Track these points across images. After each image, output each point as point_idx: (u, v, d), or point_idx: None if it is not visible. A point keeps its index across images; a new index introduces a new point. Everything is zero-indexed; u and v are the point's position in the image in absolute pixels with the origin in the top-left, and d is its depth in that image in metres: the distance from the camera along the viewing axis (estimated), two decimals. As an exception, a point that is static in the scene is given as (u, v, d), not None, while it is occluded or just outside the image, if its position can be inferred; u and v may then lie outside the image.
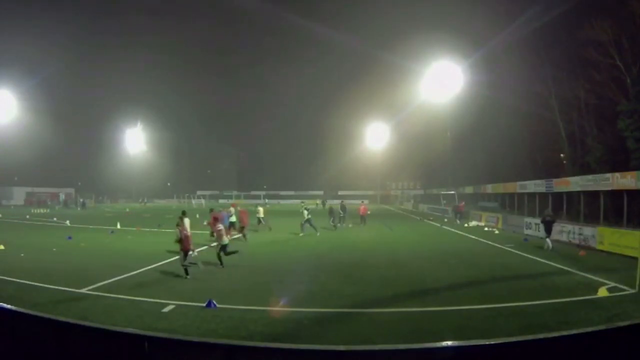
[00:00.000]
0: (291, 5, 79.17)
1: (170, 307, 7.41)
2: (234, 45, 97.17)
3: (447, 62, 38.09)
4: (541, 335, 1.34)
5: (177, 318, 6.89)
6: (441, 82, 38.67)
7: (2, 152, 51.83)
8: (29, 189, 67.20)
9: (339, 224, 24.01)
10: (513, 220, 23.29)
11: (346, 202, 28.44)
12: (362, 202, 28.98)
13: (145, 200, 69.31)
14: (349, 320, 7.07)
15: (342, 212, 24.83)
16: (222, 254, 11.34)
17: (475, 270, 11.37)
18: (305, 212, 19.88)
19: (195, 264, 10.27)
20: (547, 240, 15.32)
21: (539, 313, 7.18)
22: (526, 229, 20.53)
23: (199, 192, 78.01)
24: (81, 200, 55.30)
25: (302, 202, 24.34)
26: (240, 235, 17.46)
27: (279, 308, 7.44)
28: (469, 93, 38.03)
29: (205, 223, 16.25)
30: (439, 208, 39.79)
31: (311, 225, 19.74)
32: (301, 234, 19.50)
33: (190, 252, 10.16)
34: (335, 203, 28.73)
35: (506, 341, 1.39)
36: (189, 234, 10.52)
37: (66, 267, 11.35)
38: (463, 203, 32.20)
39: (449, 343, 1.38)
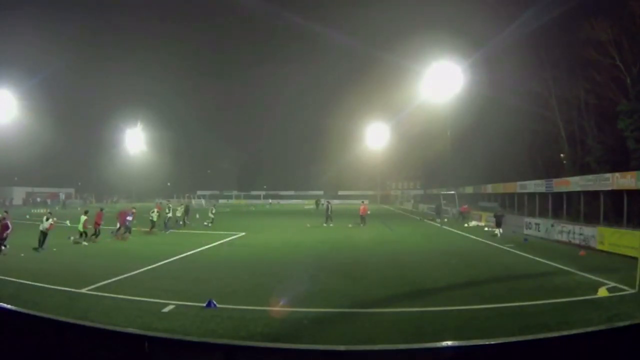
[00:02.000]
0: (291, 5, 79.12)
1: (170, 307, 7.41)
2: (234, 45, 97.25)
3: (447, 62, 38.01)
4: (541, 335, 1.34)
5: (177, 318, 6.89)
6: (441, 82, 38.61)
7: (2, 152, 51.78)
8: (29, 189, 67.15)
9: (325, 224, 25.50)
10: (513, 220, 23.28)
11: (321, 201, 29.47)
12: (362, 202, 28.98)
13: (161, 202, 68.83)
14: (349, 320, 7.07)
15: (326, 213, 26.61)
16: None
17: (475, 270, 11.38)
18: (155, 214, 21.03)
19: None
20: (496, 230, 19.65)
21: (539, 313, 7.18)
22: (526, 229, 20.52)
23: (199, 192, 77.97)
24: (63, 199, 55.35)
25: (169, 203, 24.97)
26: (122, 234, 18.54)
27: (279, 308, 7.44)
28: (469, 93, 37.97)
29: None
30: (441, 209, 39.74)
31: (166, 225, 21.07)
32: (167, 232, 20.44)
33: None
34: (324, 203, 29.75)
35: (506, 341, 1.39)
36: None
37: (66, 267, 11.35)
38: (466, 206, 32.35)
39: (449, 343, 1.37)
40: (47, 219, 14.91)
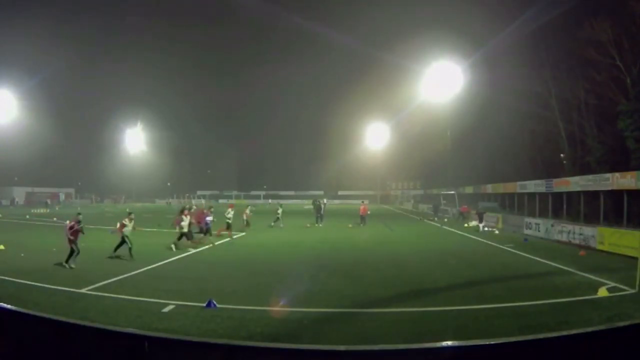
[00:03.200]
0: (291, 5, 79.21)
1: (170, 307, 7.41)
2: (234, 45, 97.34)
3: (447, 62, 38.07)
4: (541, 335, 1.34)
5: (177, 318, 6.89)
6: (441, 82, 38.64)
7: (2, 152, 51.83)
8: (29, 189, 67.21)
9: (317, 224, 24.97)
10: (513, 220, 23.30)
11: (323, 201, 29.30)
12: (362, 202, 28.98)
13: (170, 201, 68.30)
14: (349, 320, 7.07)
15: (317, 213, 25.98)
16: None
17: (475, 270, 11.38)
18: (231, 214, 19.01)
19: None
20: (480, 225, 22.92)
21: (539, 313, 7.17)
22: (526, 229, 20.53)
23: (199, 192, 78.02)
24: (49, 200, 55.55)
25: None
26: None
27: (279, 308, 7.43)
28: (469, 93, 38.04)
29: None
30: (439, 208, 39.85)
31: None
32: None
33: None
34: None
35: (506, 341, 1.39)
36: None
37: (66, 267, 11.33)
38: (466, 206, 32.46)
39: (449, 343, 1.37)
40: (131, 221, 13.12)
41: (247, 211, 21.85)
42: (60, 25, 67.99)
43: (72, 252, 11.06)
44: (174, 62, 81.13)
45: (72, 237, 11.13)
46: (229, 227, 18.54)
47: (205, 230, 16.24)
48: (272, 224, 23.60)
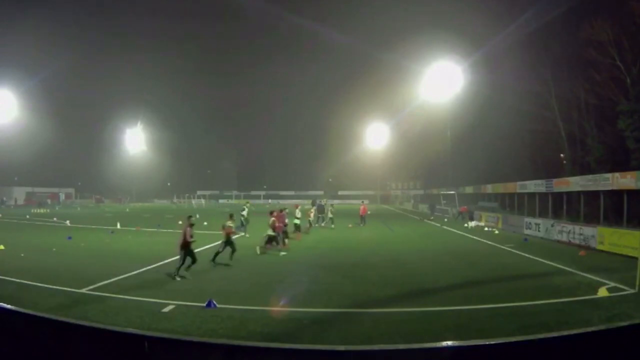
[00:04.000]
0: (291, 5, 79.31)
1: (170, 307, 7.41)
2: (234, 45, 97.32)
3: (447, 62, 38.09)
4: (541, 335, 1.34)
5: (177, 318, 6.89)
6: (441, 82, 38.66)
7: (2, 152, 51.87)
8: (29, 189, 67.26)
9: (316, 224, 23.92)
10: (513, 220, 23.30)
11: (327, 202, 28.33)
12: (362, 202, 28.99)
13: (175, 201, 67.80)
14: (349, 320, 7.07)
15: (319, 213, 24.96)
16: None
17: (475, 270, 11.39)
18: (299, 214, 18.53)
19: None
20: (471, 222, 26.08)
21: (539, 313, 7.18)
22: (526, 228, 20.53)
23: (199, 192, 78.09)
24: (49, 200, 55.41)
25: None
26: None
27: (279, 308, 7.44)
28: (469, 93, 38.06)
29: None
30: (439, 208, 39.87)
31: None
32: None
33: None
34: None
35: (506, 341, 1.39)
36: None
37: (66, 267, 11.34)
38: (465, 207, 32.47)
39: (449, 343, 1.37)
40: (234, 222, 12.34)
41: (312, 212, 21.63)
42: (60, 25, 68.02)
43: (184, 260, 9.89)
44: (175, 62, 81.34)
45: (190, 240, 9.94)
46: (297, 228, 17.98)
47: (282, 233, 15.22)
48: (323, 224, 23.42)
